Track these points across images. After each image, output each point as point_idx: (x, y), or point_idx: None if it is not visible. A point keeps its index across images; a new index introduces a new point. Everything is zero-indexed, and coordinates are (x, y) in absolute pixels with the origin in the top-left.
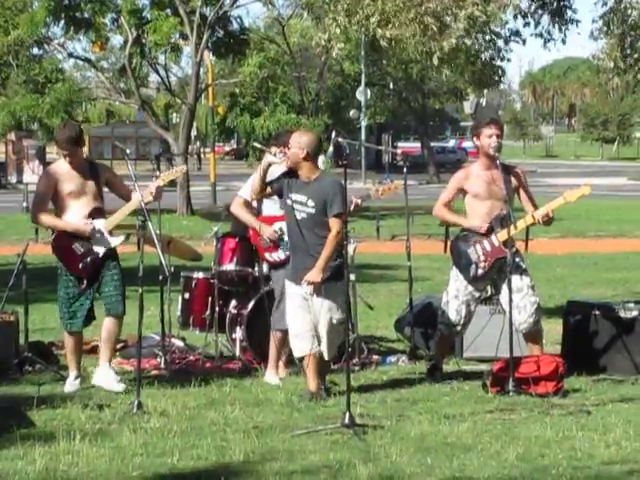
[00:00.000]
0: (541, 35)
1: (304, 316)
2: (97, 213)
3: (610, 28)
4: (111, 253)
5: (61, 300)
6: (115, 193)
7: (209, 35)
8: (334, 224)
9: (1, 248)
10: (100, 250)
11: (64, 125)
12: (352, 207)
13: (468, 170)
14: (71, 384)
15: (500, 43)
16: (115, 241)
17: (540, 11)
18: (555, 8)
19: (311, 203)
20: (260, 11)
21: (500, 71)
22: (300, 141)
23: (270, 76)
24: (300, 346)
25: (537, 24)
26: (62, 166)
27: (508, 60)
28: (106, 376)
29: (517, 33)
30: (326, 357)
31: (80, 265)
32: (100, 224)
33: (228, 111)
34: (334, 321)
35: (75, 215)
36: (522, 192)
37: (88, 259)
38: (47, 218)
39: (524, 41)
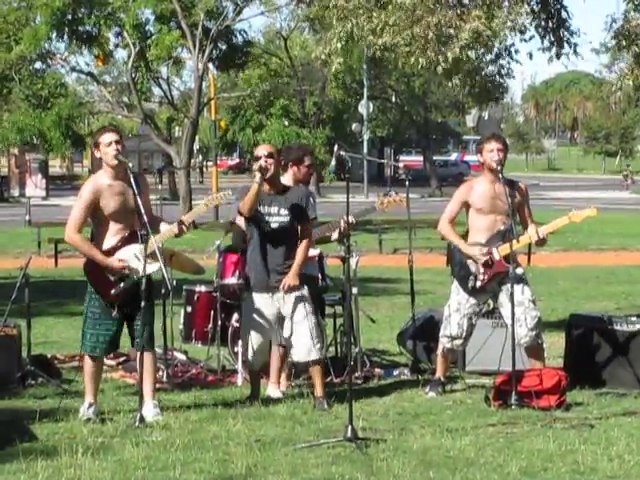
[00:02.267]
0: (548, 49)
1: (262, 329)
2: (132, 238)
3: (623, 46)
4: (145, 281)
5: (86, 320)
6: None
7: (211, 48)
8: (306, 231)
9: (4, 261)
10: (134, 277)
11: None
12: (342, 226)
13: (472, 184)
14: (85, 412)
15: (503, 61)
16: (150, 268)
17: (542, 27)
18: (555, 26)
19: (284, 212)
20: (262, 24)
21: (502, 88)
22: (277, 152)
23: (271, 89)
24: (260, 359)
25: (542, 38)
26: (104, 179)
27: (513, 77)
28: (150, 410)
29: (516, 51)
30: (310, 357)
31: (112, 292)
32: (136, 250)
33: (230, 125)
34: (317, 321)
35: (111, 239)
36: (524, 208)
37: (121, 286)
38: (83, 243)
39: (530, 55)
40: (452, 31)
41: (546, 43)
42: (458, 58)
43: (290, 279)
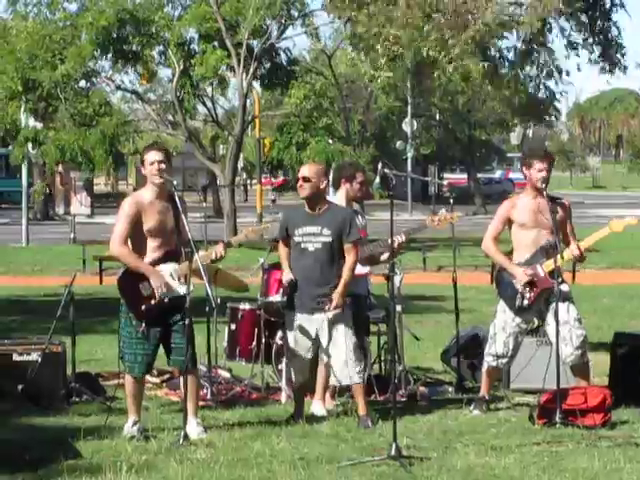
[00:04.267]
0: (597, 62)
1: (303, 349)
2: (170, 256)
3: None
4: (179, 302)
5: (123, 340)
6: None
7: (256, 67)
8: (350, 251)
9: (49, 279)
10: (167, 295)
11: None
12: (396, 245)
13: (514, 200)
14: (129, 430)
15: (550, 82)
16: (184, 289)
17: (591, 41)
18: (603, 40)
19: (327, 232)
20: (307, 43)
21: (554, 109)
22: (319, 170)
23: (315, 108)
24: (301, 378)
25: (591, 52)
26: (146, 196)
27: (565, 93)
28: (194, 428)
29: (567, 73)
30: (350, 381)
31: (143, 307)
32: (171, 268)
33: (273, 144)
34: (356, 344)
35: (149, 256)
36: (566, 225)
37: (152, 302)
38: (129, 254)
39: (578, 67)
40: (470, 17)
41: (594, 56)
42: (473, 39)
43: (336, 299)
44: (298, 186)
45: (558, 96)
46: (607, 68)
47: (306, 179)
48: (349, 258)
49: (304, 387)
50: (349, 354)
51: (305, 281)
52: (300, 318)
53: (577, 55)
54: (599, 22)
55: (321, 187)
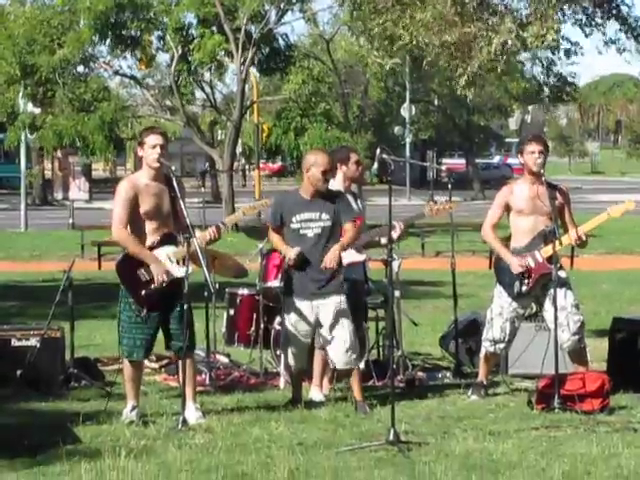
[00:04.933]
0: (613, 42)
1: (301, 334)
2: (167, 239)
3: None
4: (177, 284)
5: (122, 325)
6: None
7: (254, 52)
8: (350, 228)
9: (47, 264)
10: (166, 276)
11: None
12: (396, 236)
13: (512, 186)
14: (127, 415)
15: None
16: (181, 271)
17: (606, 19)
18: (620, 15)
19: (325, 216)
20: (305, 28)
21: (575, 88)
22: (325, 160)
23: (313, 93)
24: (299, 363)
25: (604, 34)
26: (142, 179)
27: (573, 76)
28: (192, 413)
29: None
30: (344, 366)
31: (143, 292)
32: (169, 251)
33: (272, 129)
34: (353, 330)
35: (146, 239)
36: (565, 211)
37: (152, 287)
38: (130, 239)
39: (599, 51)
40: (476, 45)
41: (608, 36)
42: (476, 74)
43: (329, 259)
44: (322, 178)
45: (570, 78)
46: (622, 48)
47: (324, 171)
48: (349, 232)
49: (301, 372)
50: (351, 339)
51: (306, 266)
52: (300, 303)
53: (585, 36)
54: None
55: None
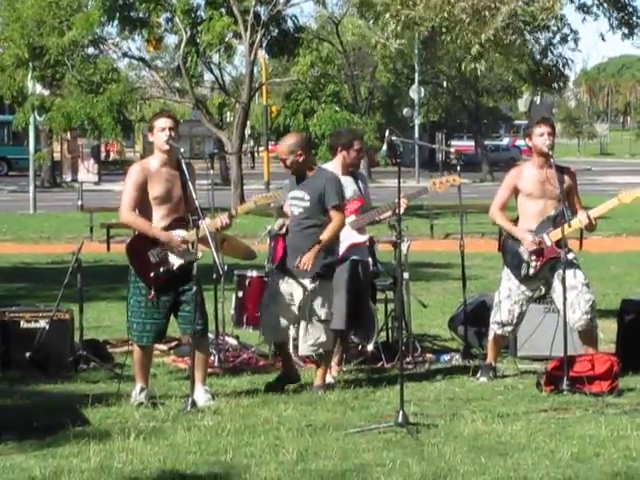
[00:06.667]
0: (619, 27)
1: (275, 309)
2: (177, 223)
3: None
4: (188, 268)
5: (131, 309)
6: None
7: (263, 34)
8: (334, 216)
9: (56, 247)
10: (176, 262)
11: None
12: (402, 210)
13: (521, 169)
14: (136, 397)
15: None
16: (192, 256)
17: (606, 5)
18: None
19: (307, 197)
20: (313, 10)
21: (563, 77)
22: (291, 146)
23: (322, 75)
24: (272, 336)
25: (609, 19)
26: (153, 163)
27: (572, 61)
28: (201, 396)
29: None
30: (300, 352)
31: (152, 274)
32: (180, 236)
33: (281, 111)
34: (319, 318)
35: (156, 224)
36: (573, 193)
37: (161, 269)
38: (139, 220)
39: (602, 36)
40: (487, 13)
41: (613, 21)
42: (485, 47)
43: (305, 258)
44: (283, 164)
45: (568, 63)
46: (627, 32)
47: (282, 160)
48: (332, 222)
49: (280, 346)
50: (304, 328)
51: (291, 246)
52: (284, 278)
53: (590, 19)
54: None
55: (299, 161)
